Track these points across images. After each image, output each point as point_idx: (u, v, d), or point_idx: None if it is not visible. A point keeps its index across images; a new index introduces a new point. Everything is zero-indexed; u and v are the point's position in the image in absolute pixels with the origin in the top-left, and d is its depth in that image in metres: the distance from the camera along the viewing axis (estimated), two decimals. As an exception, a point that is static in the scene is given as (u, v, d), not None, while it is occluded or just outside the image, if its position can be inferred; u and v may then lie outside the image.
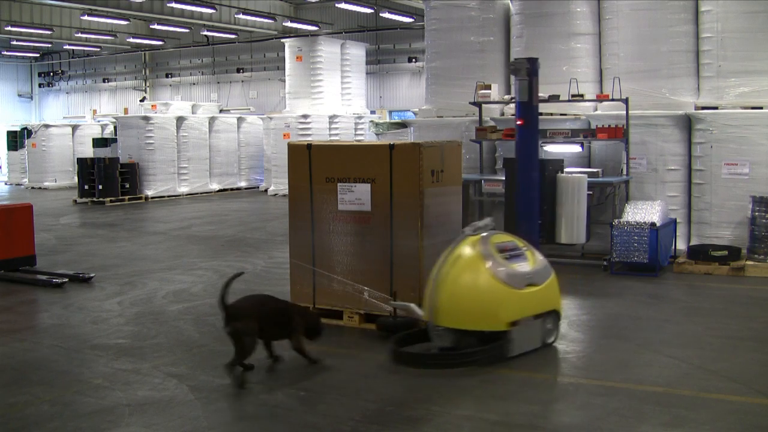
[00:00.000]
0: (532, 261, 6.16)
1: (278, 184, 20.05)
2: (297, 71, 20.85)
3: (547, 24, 10.90)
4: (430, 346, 5.95)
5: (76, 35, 29.37)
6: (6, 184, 26.29)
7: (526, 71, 7.11)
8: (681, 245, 9.93)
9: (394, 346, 5.84)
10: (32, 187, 23.94)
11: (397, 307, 6.36)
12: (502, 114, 11.22)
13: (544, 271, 6.18)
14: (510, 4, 11.49)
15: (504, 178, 9.28)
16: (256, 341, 5.45)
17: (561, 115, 10.58)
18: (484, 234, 5.99)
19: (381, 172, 6.63)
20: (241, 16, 25.72)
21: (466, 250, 5.93)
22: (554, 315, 6.23)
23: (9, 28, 27.24)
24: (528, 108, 6.82)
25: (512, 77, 11.03)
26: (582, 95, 9.94)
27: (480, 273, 5.86)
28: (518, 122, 7.21)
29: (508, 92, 11.20)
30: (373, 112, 25.99)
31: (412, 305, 6.04)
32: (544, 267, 6.21)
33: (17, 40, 31.41)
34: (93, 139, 23.46)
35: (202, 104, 24.85)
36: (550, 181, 8.87)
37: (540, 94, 10.08)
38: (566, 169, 10.01)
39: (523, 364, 5.86)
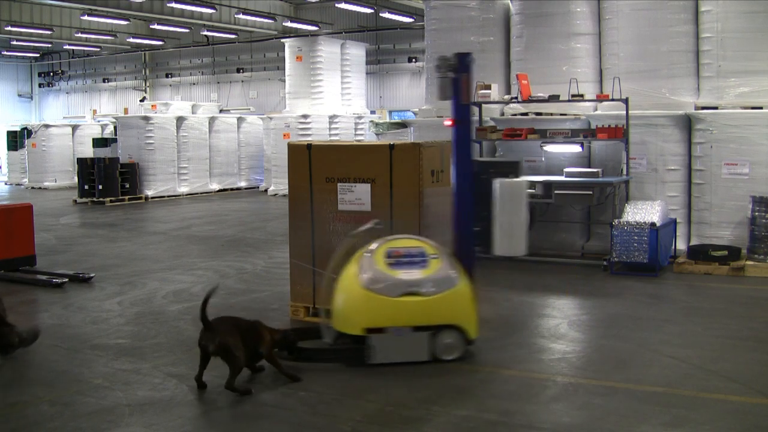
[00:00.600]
0: (430, 270, 5.74)
1: (278, 184, 20.05)
2: (297, 71, 20.84)
3: (547, 24, 10.90)
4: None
5: (76, 35, 29.38)
6: (6, 184, 26.29)
7: (450, 67, 6.73)
8: (681, 245, 9.93)
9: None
10: (32, 187, 23.94)
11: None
12: (502, 114, 11.22)
13: (441, 282, 5.73)
14: (510, 4, 11.49)
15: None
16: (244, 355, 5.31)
17: (561, 115, 10.58)
18: (388, 238, 5.85)
19: (381, 172, 6.63)
20: (241, 16, 25.72)
21: (360, 252, 5.89)
22: (456, 331, 5.80)
23: (9, 28, 27.24)
24: (459, 107, 6.43)
25: (512, 78, 11.10)
26: (582, 95, 9.93)
27: (348, 276, 5.84)
28: (447, 122, 6.94)
29: (508, 92, 11.20)
30: (373, 112, 26.00)
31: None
32: (443, 278, 5.75)
33: (17, 40, 31.42)
34: (93, 139, 23.47)
35: (202, 104, 24.86)
36: (488, 186, 8.08)
37: (540, 94, 10.19)
38: (566, 169, 10.04)
39: (523, 364, 5.87)
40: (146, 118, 20.18)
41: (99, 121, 28.09)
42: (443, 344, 5.80)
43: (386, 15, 24.89)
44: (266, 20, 27.36)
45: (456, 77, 6.50)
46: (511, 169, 8.39)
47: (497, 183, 7.06)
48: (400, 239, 5.94)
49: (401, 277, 5.70)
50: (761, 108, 9.60)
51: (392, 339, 5.70)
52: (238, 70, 32.32)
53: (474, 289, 5.99)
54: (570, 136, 10.14)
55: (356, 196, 6.74)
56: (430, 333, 5.76)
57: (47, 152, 23.95)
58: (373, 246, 5.86)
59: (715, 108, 9.85)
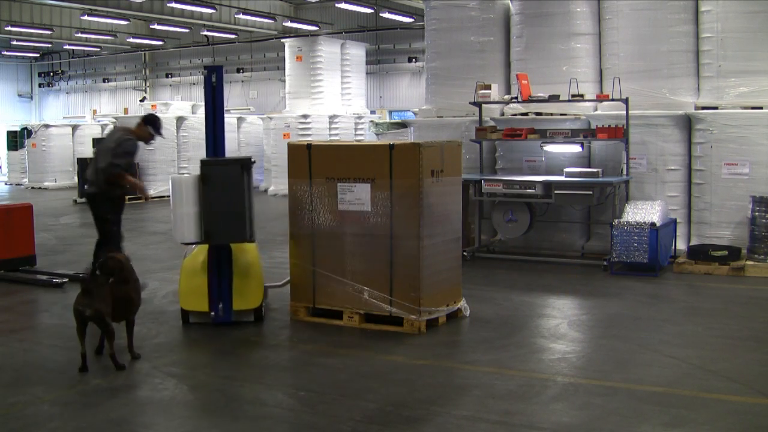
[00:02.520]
0: None
1: (278, 184, 20.04)
2: (297, 71, 20.84)
3: (547, 24, 10.90)
4: None
5: (76, 35, 29.37)
6: (6, 184, 26.29)
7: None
8: (681, 245, 9.93)
9: None
10: (32, 187, 23.93)
11: None
12: (502, 114, 11.22)
13: None
14: (510, 4, 11.48)
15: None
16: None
17: (561, 115, 10.58)
18: None
19: (381, 172, 6.63)
20: (241, 16, 25.71)
21: None
22: None
23: (9, 28, 27.24)
24: None
25: (512, 78, 11.10)
26: (582, 95, 9.93)
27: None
28: None
29: (508, 92, 11.20)
30: (373, 112, 25.99)
31: None
32: None
33: (17, 40, 31.42)
34: (93, 139, 23.40)
35: (202, 104, 24.84)
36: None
37: (540, 94, 10.19)
38: (566, 169, 10.03)
39: (523, 364, 5.87)
40: (146, 118, 20.17)
41: (99, 121, 28.07)
42: None
43: (386, 15, 24.88)
44: (266, 20, 27.36)
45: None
46: (244, 165, 7.20)
47: (170, 178, 7.12)
48: None
49: None
50: (761, 108, 9.60)
51: None
52: (238, 70, 32.31)
53: None
54: (570, 136, 10.14)
55: (356, 196, 6.74)
56: None
57: (47, 152, 23.95)
58: None
59: (715, 108, 9.84)
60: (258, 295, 7.04)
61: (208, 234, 6.72)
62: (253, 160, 6.98)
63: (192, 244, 7.01)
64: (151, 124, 8.19)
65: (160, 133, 8.38)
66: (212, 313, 6.86)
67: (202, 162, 6.84)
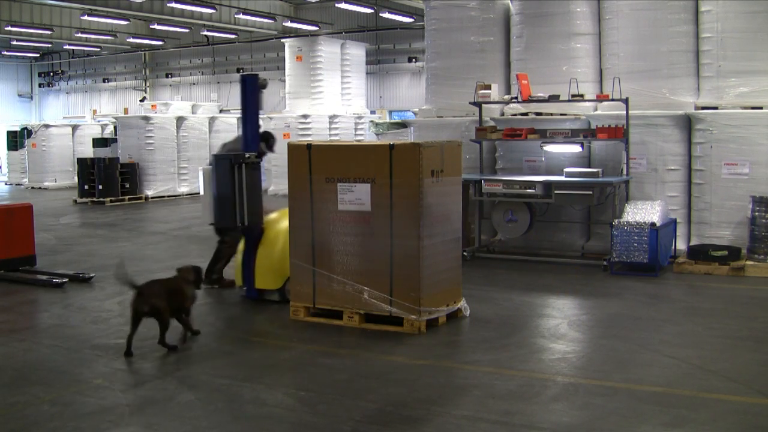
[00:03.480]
0: None
1: (278, 184, 20.03)
2: (297, 71, 20.84)
3: (547, 24, 10.89)
4: None
5: (76, 35, 29.37)
6: (6, 184, 26.29)
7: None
8: (681, 245, 9.93)
9: None
10: (32, 187, 23.93)
11: None
12: (502, 114, 11.22)
13: None
14: (510, 4, 11.48)
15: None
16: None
17: (561, 115, 10.57)
18: None
19: (381, 172, 6.63)
20: (241, 16, 25.71)
21: None
22: None
23: (9, 28, 27.22)
24: None
25: (512, 78, 11.10)
26: (582, 95, 9.93)
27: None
28: None
29: (508, 92, 11.20)
30: (373, 112, 25.98)
31: None
32: None
33: (17, 40, 31.40)
34: (93, 139, 23.45)
35: (202, 104, 24.83)
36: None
37: (540, 94, 10.19)
38: (566, 169, 10.03)
39: (523, 364, 5.87)
40: (146, 118, 20.18)
41: (99, 121, 28.08)
42: None
43: (386, 15, 24.87)
44: (266, 20, 27.35)
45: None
46: (233, 160, 8.09)
47: (201, 169, 8.42)
48: None
49: None
50: (761, 108, 9.60)
51: None
52: (238, 70, 32.29)
53: None
54: (570, 136, 10.14)
55: (356, 196, 6.74)
56: None
57: (47, 152, 23.94)
58: None
59: (715, 108, 9.84)
60: (279, 277, 7.63)
61: (214, 218, 7.77)
62: (258, 157, 7.81)
63: (211, 225, 8.12)
64: (264, 141, 8.40)
65: (272, 150, 8.78)
66: (244, 288, 7.95)
67: (212, 156, 8.02)
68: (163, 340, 6.12)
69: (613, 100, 9.79)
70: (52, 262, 10.29)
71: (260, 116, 8.05)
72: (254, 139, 7.85)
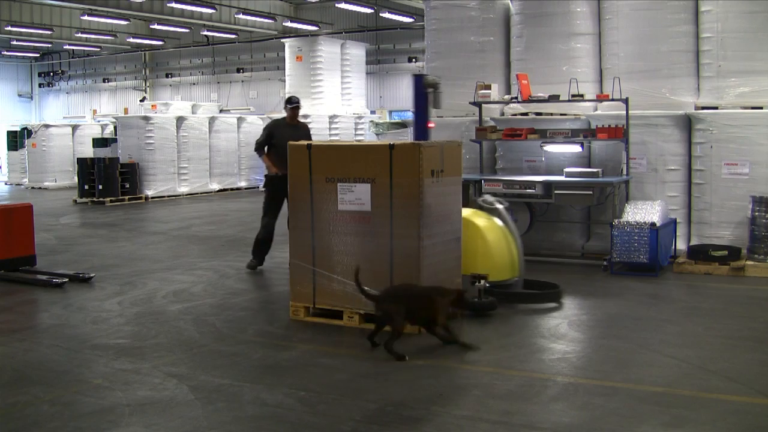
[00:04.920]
0: None
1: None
2: (297, 71, 20.88)
3: (547, 24, 10.89)
4: None
5: (76, 35, 29.39)
6: (6, 184, 26.30)
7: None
8: (681, 245, 9.93)
9: None
10: (32, 187, 23.94)
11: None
12: (502, 114, 11.22)
13: None
14: (510, 4, 11.48)
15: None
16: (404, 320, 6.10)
17: (561, 115, 10.58)
18: None
19: (381, 172, 6.63)
20: (241, 16, 25.73)
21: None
22: None
23: (9, 28, 27.26)
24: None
25: (512, 78, 11.09)
26: (582, 95, 9.93)
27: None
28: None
29: (508, 92, 11.20)
30: (373, 112, 26.01)
31: None
32: None
33: (17, 40, 31.43)
34: (93, 139, 23.48)
35: (202, 104, 24.87)
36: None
37: (540, 94, 10.19)
38: (566, 169, 10.03)
39: (523, 364, 5.87)
40: (146, 118, 20.18)
41: (99, 121, 28.12)
42: None
43: (386, 15, 24.89)
44: (266, 20, 27.37)
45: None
46: None
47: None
48: None
49: None
50: (761, 108, 9.60)
51: None
52: (238, 70, 32.32)
53: None
54: (570, 136, 10.14)
55: (356, 196, 6.74)
56: None
57: (47, 152, 23.95)
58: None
59: (715, 108, 9.84)
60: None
61: None
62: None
63: None
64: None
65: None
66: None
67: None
68: (389, 346, 5.93)
69: (613, 100, 9.79)
70: (52, 262, 10.29)
71: (429, 117, 8.26)
72: (423, 139, 7.89)
